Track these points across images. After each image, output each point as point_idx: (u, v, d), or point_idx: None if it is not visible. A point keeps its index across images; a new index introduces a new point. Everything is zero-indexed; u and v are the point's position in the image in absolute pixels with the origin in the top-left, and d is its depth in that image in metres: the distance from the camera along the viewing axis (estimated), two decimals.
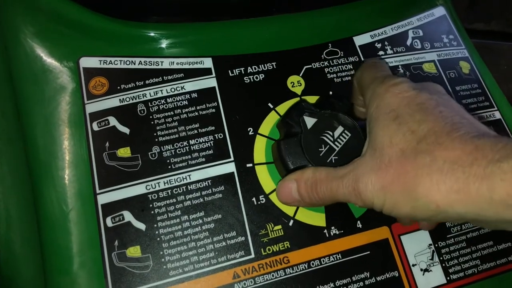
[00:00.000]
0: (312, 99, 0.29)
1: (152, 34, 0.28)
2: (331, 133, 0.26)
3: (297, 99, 0.29)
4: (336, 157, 0.25)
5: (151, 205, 0.25)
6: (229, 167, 0.27)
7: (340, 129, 0.26)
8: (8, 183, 0.31)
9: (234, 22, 0.29)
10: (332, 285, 0.25)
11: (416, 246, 0.27)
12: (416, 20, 0.34)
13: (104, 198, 0.25)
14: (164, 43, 0.28)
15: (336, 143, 0.26)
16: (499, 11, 0.50)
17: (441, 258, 0.27)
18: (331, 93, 0.29)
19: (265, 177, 0.27)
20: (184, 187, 0.26)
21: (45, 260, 0.25)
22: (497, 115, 0.32)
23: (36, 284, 0.28)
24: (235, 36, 0.29)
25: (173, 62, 0.28)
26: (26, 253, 0.29)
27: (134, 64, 0.28)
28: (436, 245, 0.27)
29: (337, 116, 0.26)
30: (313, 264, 0.26)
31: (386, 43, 0.32)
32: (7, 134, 0.32)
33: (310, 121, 0.26)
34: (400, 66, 0.32)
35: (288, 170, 0.25)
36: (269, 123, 0.28)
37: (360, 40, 0.32)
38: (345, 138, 0.26)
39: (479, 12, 0.49)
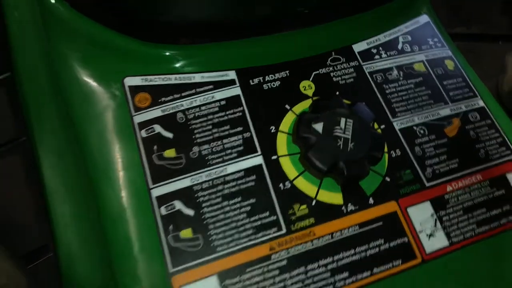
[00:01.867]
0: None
1: (184, 54, 0.34)
2: (339, 127, 0.31)
3: (308, 103, 0.34)
4: (353, 143, 0.30)
5: (196, 195, 0.30)
6: (257, 160, 0.32)
7: (343, 120, 0.31)
8: (61, 193, 0.35)
9: (252, 39, 0.35)
10: (353, 251, 0.30)
11: (421, 216, 0.32)
12: (405, 28, 0.39)
13: (157, 191, 0.30)
14: (194, 61, 0.34)
15: (346, 133, 0.31)
16: (478, 15, 0.56)
17: (442, 224, 0.32)
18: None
19: (288, 167, 0.32)
20: (222, 178, 0.31)
21: (109, 248, 0.30)
22: (481, 103, 0.38)
23: (92, 278, 0.33)
24: (253, 51, 0.35)
25: (203, 76, 0.33)
26: (83, 252, 0.34)
27: (171, 80, 0.33)
28: (438, 214, 0.32)
29: (335, 112, 0.32)
30: (335, 235, 0.30)
31: (380, 48, 0.37)
32: (57, 151, 0.36)
33: (319, 127, 0.31)
34: (394, 67, 0.37)
35: (323, 172, 0.30)
36: (287, 122, 0.33)
37: (358, 47, 0.37)
38: (350, 125, 0.31)
39: (459, 18, 0.54)
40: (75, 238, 0.34)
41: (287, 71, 0.35)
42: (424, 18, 0.41)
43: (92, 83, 0.33)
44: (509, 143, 0.36)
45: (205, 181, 0.30)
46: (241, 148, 0.32)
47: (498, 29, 0.55)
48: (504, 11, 0.56)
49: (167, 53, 0.34)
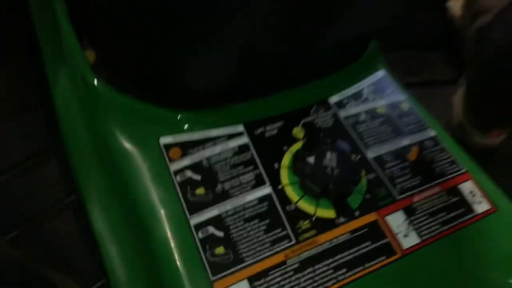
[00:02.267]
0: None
1: (203, 117, 0.44)
2: (326, 158, 0.41)
3: (300, 143, 0.44)
4: (338, 170, 0.40)
5: (224, 220, 0.39)
6: (267, 190, 0.41)
7: (328, 153, 0.42)
8: (109, 237, 0.44)
9: (253, 101, 0.45)
10: (347, 253, 0.39)
11: (396, 221, 0.41)
12: (368, 81, 0.51)
13: (194, 220, 0.39)
14: (211, 120, 0.44)
15: (331, 162, 0.41)
16: (427, 66, 0.68)
17: (414, 226, 0.41)
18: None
19: (291, 193, 0.41)
20: (242, 206, 0.40)
21: (160, 269, 0.38)
22: (433, 133, 0.48)
23: None
24: (255, 109, 0.45)
25: (219, 131, 0.43)
26: (131, 284, 0.42)
27: (194, 136, 0.43)
28: (409, 219, 0.42)
29: (322, 148, 0.42)
30: (333, 241, 0.39)
31: (350, 98, 0.49)
32: (102, 204, 0.45)
33: (311, 159, 0.41)
34: (362, 112, 0.48)
35: (318, 193, 0.40)
36: (286, 159, 0.43)
37: (333, 99, 0.48)
38: (334, 157, 0.41)
39: (411, 70, 0.67)
40: (124, 272, 0.43)
41: (282, 121, 0.45)
42: (382, 73, 0.52)
43: (134, 144, 0.42)
44: (457, 162, 0.47)
45: (229, 209, 0.40)
46: (254, 182, 0.41)
47: (444, 76, 0.68)
48: (447, 62, 0.69)
49: (190, 116, 0.44)
